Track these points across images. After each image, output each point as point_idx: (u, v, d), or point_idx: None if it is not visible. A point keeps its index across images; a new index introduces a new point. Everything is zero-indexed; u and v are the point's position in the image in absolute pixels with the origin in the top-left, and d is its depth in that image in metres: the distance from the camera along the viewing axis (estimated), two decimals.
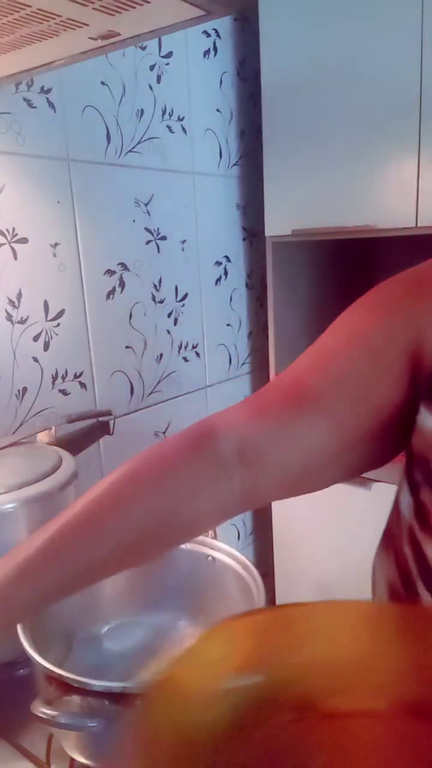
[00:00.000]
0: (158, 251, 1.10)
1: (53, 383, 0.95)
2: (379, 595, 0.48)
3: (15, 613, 0.47)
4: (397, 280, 0.49)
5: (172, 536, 0.50)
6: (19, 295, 0.88)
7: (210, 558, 0.71)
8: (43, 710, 0.48)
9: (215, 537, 0.73)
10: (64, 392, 0.97)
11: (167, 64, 1.07)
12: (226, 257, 1.28)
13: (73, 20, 0.48)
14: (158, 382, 1.15)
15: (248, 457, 0.47)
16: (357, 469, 0.52)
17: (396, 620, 0.34)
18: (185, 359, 1.20)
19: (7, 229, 0.85)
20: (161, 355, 1.14)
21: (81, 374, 0.99)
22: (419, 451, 0.45)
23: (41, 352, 0.92)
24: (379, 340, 0.47)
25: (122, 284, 1.04)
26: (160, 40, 1.05)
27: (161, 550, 0.52)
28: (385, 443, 0.50)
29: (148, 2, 0.46)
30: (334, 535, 1.21)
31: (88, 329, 0.99)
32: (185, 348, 1.20)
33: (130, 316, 1.07)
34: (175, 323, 1.16)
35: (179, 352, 1.19)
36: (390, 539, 0.48)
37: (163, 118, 1.07)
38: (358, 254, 1.46)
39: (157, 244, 1.10)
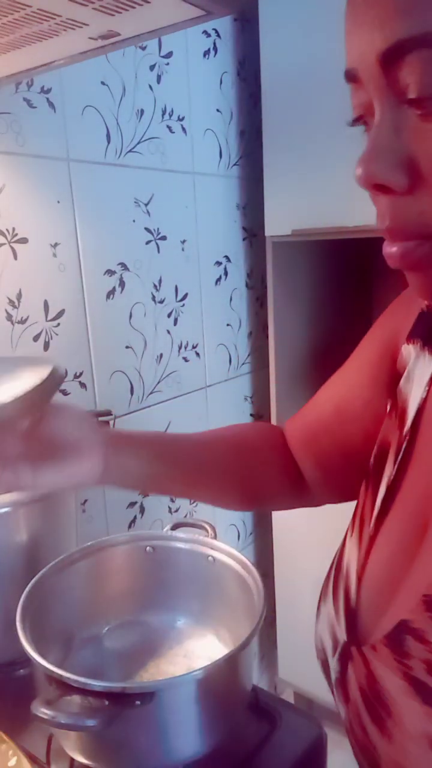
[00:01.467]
0: (158, 251, 1.10)
1: None
2: None
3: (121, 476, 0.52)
4: (392, 304, 0.54)
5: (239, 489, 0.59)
6: (19, 295, 0.88)
7: (210, 558, 0.71)
8: (43, 710, 0.48)
9: (215, 537, 0.73)
10: (63, 392, 0.97)
11: (167, 64, 1.07)
12: (226, 257, 1.28)
13: (73, 20, 0.48)
14: (158, 382, 1.15)
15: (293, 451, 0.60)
16: None
17: None
18: (185, 359, 1.20)
19: (7, 229, 0.85)
20: (161, 355, 1.14)
21: (81, 374, 0.99)
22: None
23: (41, 352, 0.92)
24: (369, 356, 0.52)
25: (122, 284, 1.04)
26: (160, 40, 1.05)
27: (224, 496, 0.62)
28: None
29: (148, 2, 0.46)
30: (334, 535, 1.21)
31: (88, 329, 0.99)
32: (185, 348, 1.20)
33: (130, 316, 1.07)
34: (175, 323, 1.16)
35: (179, 352, 1.19)
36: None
37: (163, 118, 1.07)
38: (358, 254, 1.46)
39: (157, 244, 1.10)
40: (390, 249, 0.33)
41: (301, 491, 0.60)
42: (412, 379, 0.44)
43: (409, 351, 0.46)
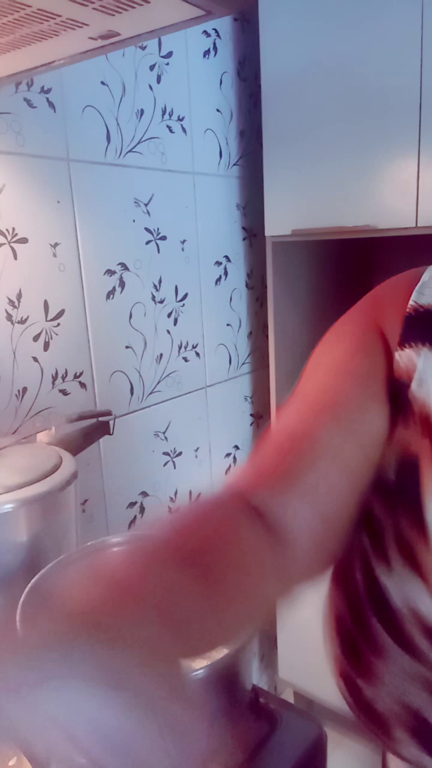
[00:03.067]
0: (158, 251, 1.10)
1: (53, 383, 0.95)
2: (328, 631, 0.42)
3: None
4: (357, 307, 0.49)
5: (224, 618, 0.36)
6: (19, 295, 0.88)
7: None
8: None
9: None
10: (64, 392, 0.97)
11: (167, 64, 1.07)
12: (226, 257, 1.28)
13: (73, 20, 0.48)
14: (158, 382, 1.15)
15: (270, 524, 0.40)
16: None
17: None
18: (185, 359, 1.20)
19: (7, 229, 0.85)
20: (161, 355, 1.14)
21: (81, 374, 0.99)
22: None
23: (41, 352, 0.92)
24: (362, 365, 0.45)
25: (122, 284, 1.04)
26: (160, 40, 1.05)
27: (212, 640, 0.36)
28: None
29: (148, 2, 0.46)
30: None
31: (88, 329, 0.99)
32: (185, 348, 1.20)
33: (130, 316, 1.07)
34: (175, 323, 1.16)
35: (179, 352, 1.19)
36: (340, 565, 0.42)
37: (163, 118, 1.07)
38: (358, 254, 1.46)
39: (157, 244, 1.10)
40: None
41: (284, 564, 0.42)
42: (427, 381, 0.41)
43: (409, 356, 0.43)
